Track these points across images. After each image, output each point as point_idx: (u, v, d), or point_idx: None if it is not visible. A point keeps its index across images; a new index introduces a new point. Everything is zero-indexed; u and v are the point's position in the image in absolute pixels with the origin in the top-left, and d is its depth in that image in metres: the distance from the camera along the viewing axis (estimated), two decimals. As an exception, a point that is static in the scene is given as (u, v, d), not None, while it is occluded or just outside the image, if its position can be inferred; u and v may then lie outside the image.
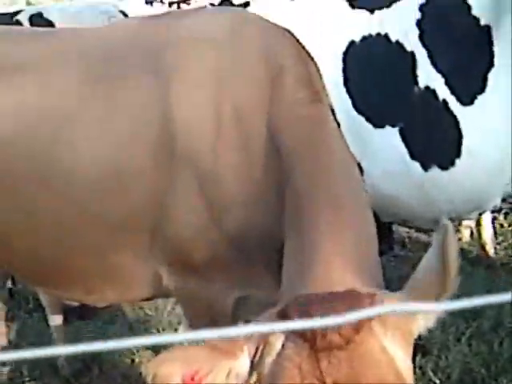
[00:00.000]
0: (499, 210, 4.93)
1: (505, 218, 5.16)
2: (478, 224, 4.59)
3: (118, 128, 2.23)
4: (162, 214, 2.20)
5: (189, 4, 7.60)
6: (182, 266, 2.28)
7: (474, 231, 4.81)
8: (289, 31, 2.31)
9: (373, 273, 1.75)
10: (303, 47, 2.28)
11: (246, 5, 8.48)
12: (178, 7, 7.72)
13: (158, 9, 7.51)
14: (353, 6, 3.33)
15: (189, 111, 2.15)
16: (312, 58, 2.29)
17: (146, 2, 7.89)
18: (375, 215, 3.09)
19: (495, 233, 4.85)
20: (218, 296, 2.28)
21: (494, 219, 4.87)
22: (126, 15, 6.91)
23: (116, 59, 2.33)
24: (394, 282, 3.77)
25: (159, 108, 2.17)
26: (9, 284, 4.45)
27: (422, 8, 3.14)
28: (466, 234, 4.96)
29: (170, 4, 7.89)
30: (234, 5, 8.26)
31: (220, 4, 8.07)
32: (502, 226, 5.11)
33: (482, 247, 4.63)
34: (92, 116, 2.28)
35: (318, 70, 2.31)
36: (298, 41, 2.29)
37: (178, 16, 2.47)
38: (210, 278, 2.25)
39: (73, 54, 2.44)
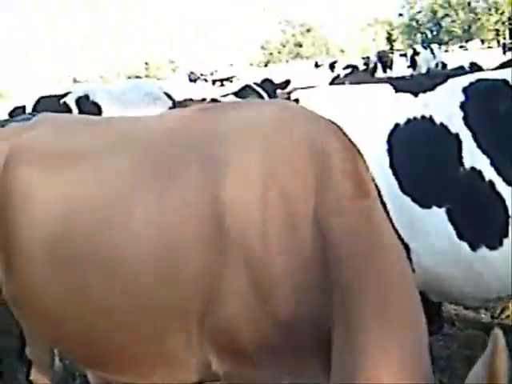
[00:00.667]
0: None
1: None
2: (530, 302, 4.49)
3: (168, 216, 2.29)
4: (210, 295, 2.22)
5: (231, 82, 7.84)
6: (231, 351, 2.28)
7: (525, 309, 4.71)
8: (333, 122, 2.37)
9: (422, 364, 1.78)
10: (348, 137, 2.33)
11: (287, 83, 8.72)
12: (222, 85, 7.97)
13: (201, 86, 7.74)
14: (396, 90, 3.39)
15: (237, 195, 2.20)
16: (358, 149, 2.33)
17: (190, 80, 8.15)
18: (425, 295, 3.05)
19: (547, 311, 4.73)
20: (267, 382, 2.27)
21: (545, 297, 4.74)
22: (169, 96, 7.10)
23: (167, 150, 2.42)
24: (443, 360, 3.70)
25: (208, 196, 2.23)
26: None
27: (465, 90, 3.16)
28: (516, 311, 4.86)
29: (214, 82, 8.13)
30: (274, 83, 8.50)
31: (262, 82, 8.28)
32: (554, 304, 4.97)
33: (534, 325, 4.52)
34: (141, 205, 2.34)
35: (364, 160, 2.35)
36: (342, 130, 2.35)
37: (228, 108, 2.56)
38: (259, 363, 2.25)
39: (125, 143, 2.54)
